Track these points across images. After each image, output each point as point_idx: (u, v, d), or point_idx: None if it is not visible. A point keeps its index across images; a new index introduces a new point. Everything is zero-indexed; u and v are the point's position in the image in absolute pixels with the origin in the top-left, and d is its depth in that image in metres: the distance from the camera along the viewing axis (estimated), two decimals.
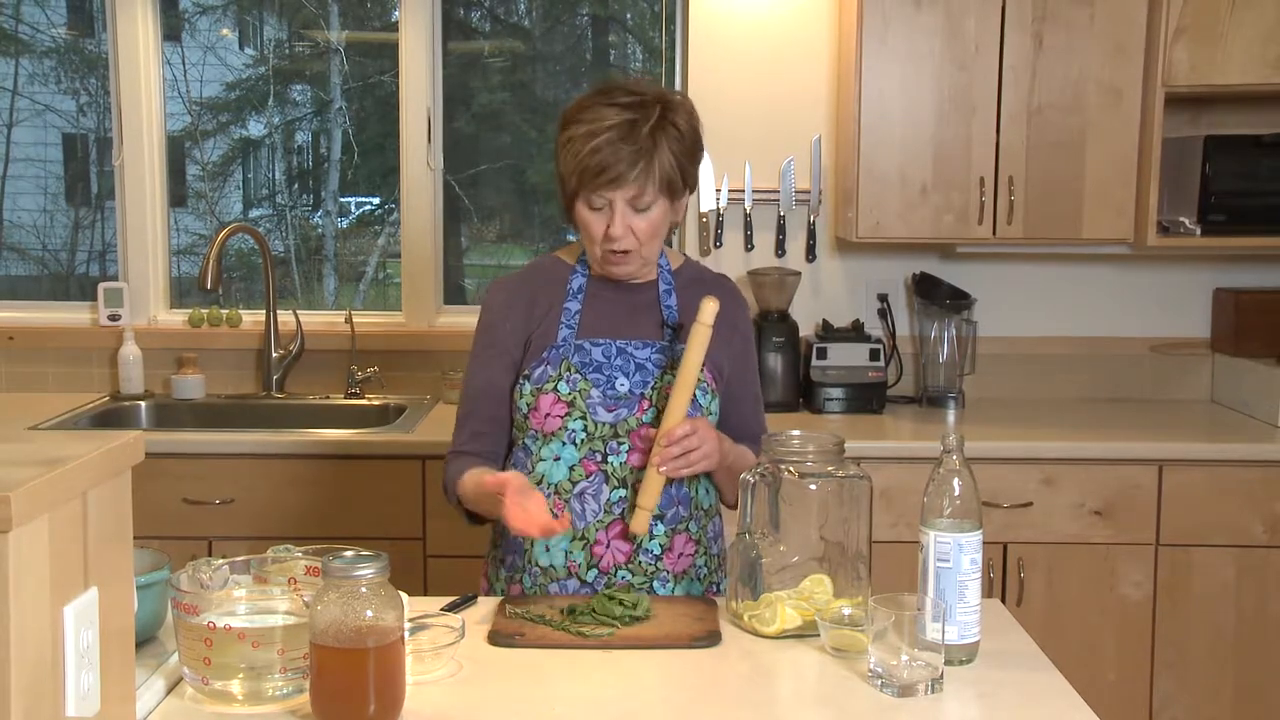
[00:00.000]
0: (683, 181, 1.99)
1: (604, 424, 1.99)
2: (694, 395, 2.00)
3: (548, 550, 2.02)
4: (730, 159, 3.53)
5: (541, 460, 2.02)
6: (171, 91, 3.86)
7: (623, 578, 2.00)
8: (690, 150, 1.99)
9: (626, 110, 1.93)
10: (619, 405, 2.00)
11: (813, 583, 1.80)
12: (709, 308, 1.95)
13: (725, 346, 2.08)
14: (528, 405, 2.02)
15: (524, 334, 2.06)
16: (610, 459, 2.00)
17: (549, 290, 2.08)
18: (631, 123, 1.92)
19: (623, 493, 2.00)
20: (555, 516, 1.86)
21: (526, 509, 1.83)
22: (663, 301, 2.08)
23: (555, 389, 2.00)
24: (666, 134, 1.95)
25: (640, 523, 1.96)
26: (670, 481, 1.99)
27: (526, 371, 2.03)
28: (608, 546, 2.00)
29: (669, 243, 2.19)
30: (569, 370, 2.01)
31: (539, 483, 2.02)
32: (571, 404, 1.99)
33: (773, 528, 1.82)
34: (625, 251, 1.99)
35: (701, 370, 2.01)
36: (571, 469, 2.01)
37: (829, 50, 3.52)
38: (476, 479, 2.00)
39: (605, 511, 2.00)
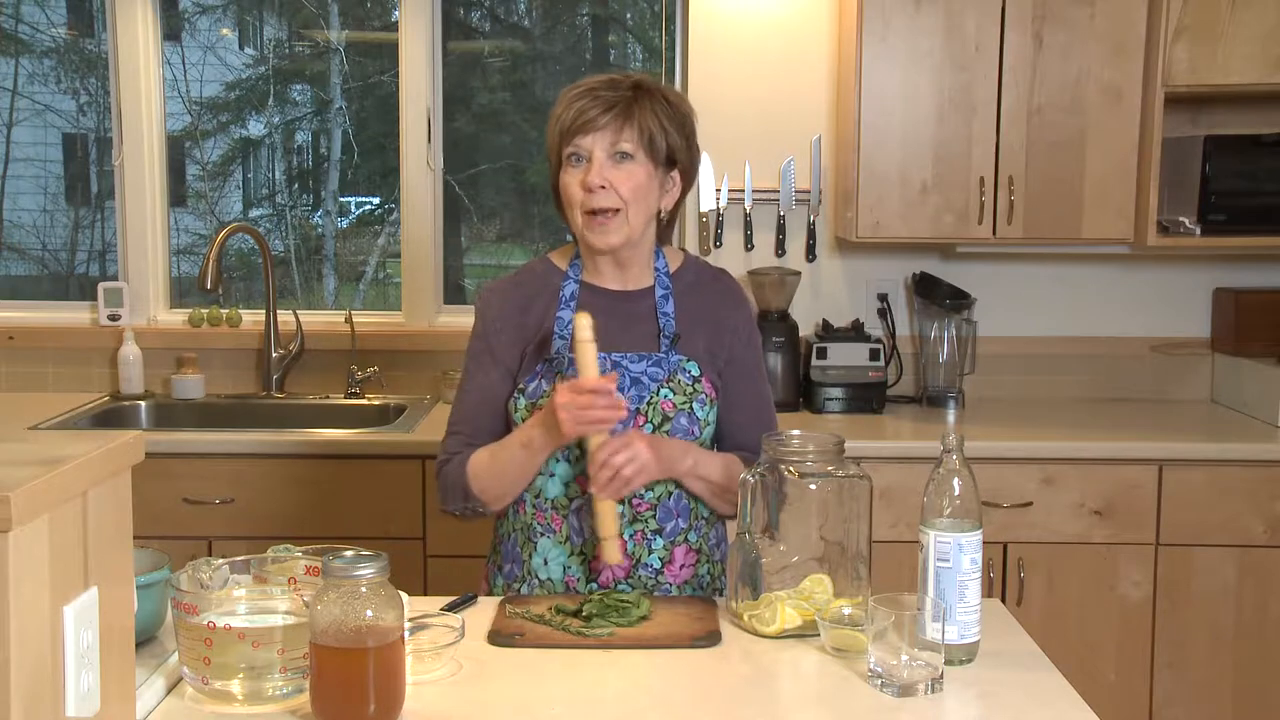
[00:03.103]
0: (668, 147, 1.97)
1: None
2: (690, 409, 1.98)
3: (546, 564, 2.01)
4: (730, 159, 3.53)
5: (538, 474, 2.01)
6: (171, 91, 3.86)
7: (623, 591, 1.98)
8: (677, 119, 1.99)
9: (609, 76, 2.00)
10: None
11: (813, 583, 1.80)
12: (581, 324, 1.88)
13: (721, 349, 2.05)
14: (523, 419, 1.99)
15: (519, 344, 2.03)
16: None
17: (542, 297, 2.05)
18: (611, 81, 1.97)
19: (619, 509, 1.97)
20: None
21: (576, 414, 1.82)
22: (659, 309, 2.04)
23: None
24: (650, 97, 1.97)
25: (611, 552, 1.91)
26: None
27: (521, 385, 2.01)
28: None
29: (671, 240, 2.16)
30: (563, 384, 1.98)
31: (536, 496, 2.02)
32: None
33: (773, 528, 1.81)
34: (607, 211, 1.94)
35: (699, 381, 2.00)
36: (567, 485, 1.99)
37: (829, 50, 3.52)
38: (499, 443, 1.99)
39: None
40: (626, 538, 1.98)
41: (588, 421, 1.84)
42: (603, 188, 1.93)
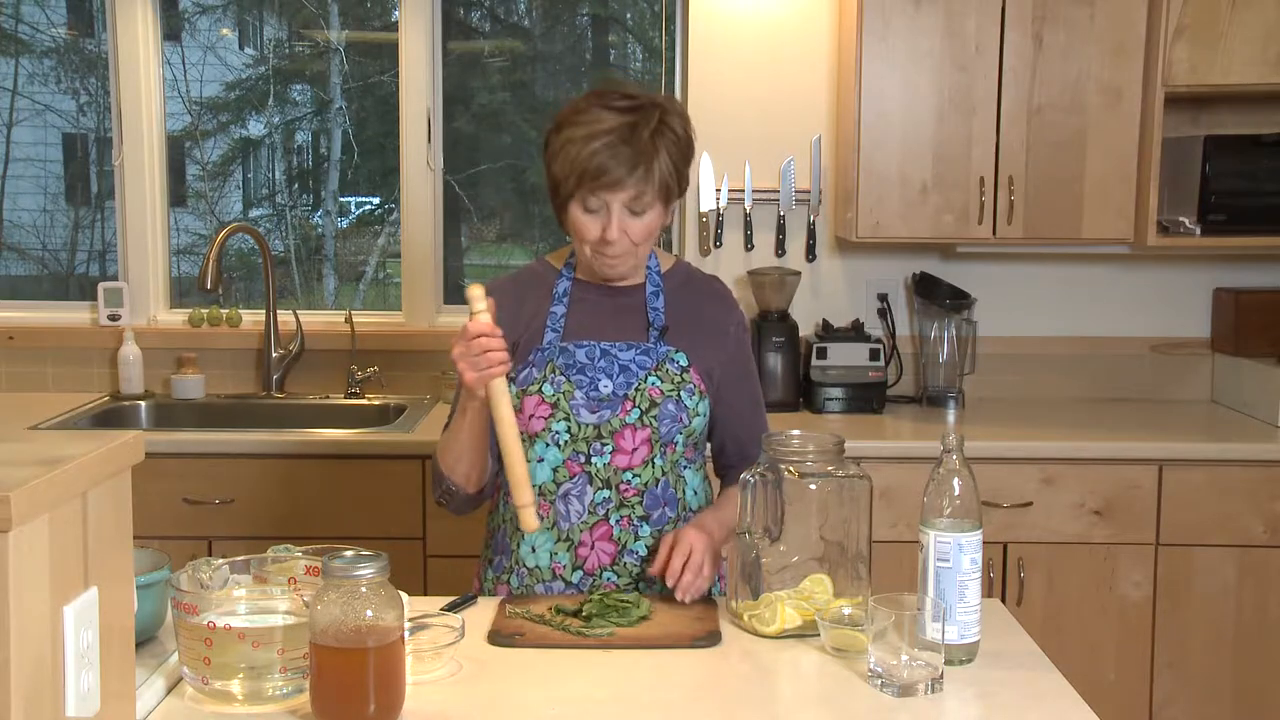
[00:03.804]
0: (677, 185, 1.99)
1: (587, 425, 1.99)
2: (679, 396, 2.00)
3: (534, 551, 2.03)
4: (730, 159, 3.53)
5: (527, 461, 2.02)
6: (171, 91, 3.86)
7: (608, 579, 2.00)
8: (685, 154, 1.99)
9: (625, 114, 1.93)
10: (602, 407, 1.99)
11: (813, 583, 1.80)
12: (473, 295, 1.85)
13: (715, 350, 2.08)
14: (514, 408, 2.01)
15: (512, 338, 2.04)
16: (594, 460, 1.99)
17: (536, 295, 2.08)
18: (632, 126, 1.92)
19: (606, 494, 2.00)
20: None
21: (472, 360, 1.83)
22: (649, 304, 2.07)
23: (540, 390, 2.00)
24: (665, 138, 1.94)
25: (528, 519, 1.86)
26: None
27: (512, 374, 2.01)
28: (592, 548, 2.00)
29: (666, 245, 2.18)
30: (553, 372, 2.00)
31: None
32: (555, 405, 1.99)
33: (773, 528, 1.82)
34: (618, 255, 1.98)
35: (687, 371, 2.02)
36: (555, 470, 2.00)
37: (829, 50, 3.52)
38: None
39: (589, 513, 2.00)
40: (613, 523, 2.00)
41: (485, 367, 1.83)
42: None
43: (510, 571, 2.07)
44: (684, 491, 2.06)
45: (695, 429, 2.05)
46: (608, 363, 2.01)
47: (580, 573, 2.01)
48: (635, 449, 1.99)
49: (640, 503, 2.01)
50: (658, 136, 1.93)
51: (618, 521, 2.00)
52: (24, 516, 1.07)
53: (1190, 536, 3.04)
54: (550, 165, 1.98)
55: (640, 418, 1.99)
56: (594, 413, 1.99)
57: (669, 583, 1.88)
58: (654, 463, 2.01)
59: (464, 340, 1.84)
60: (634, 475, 2.00)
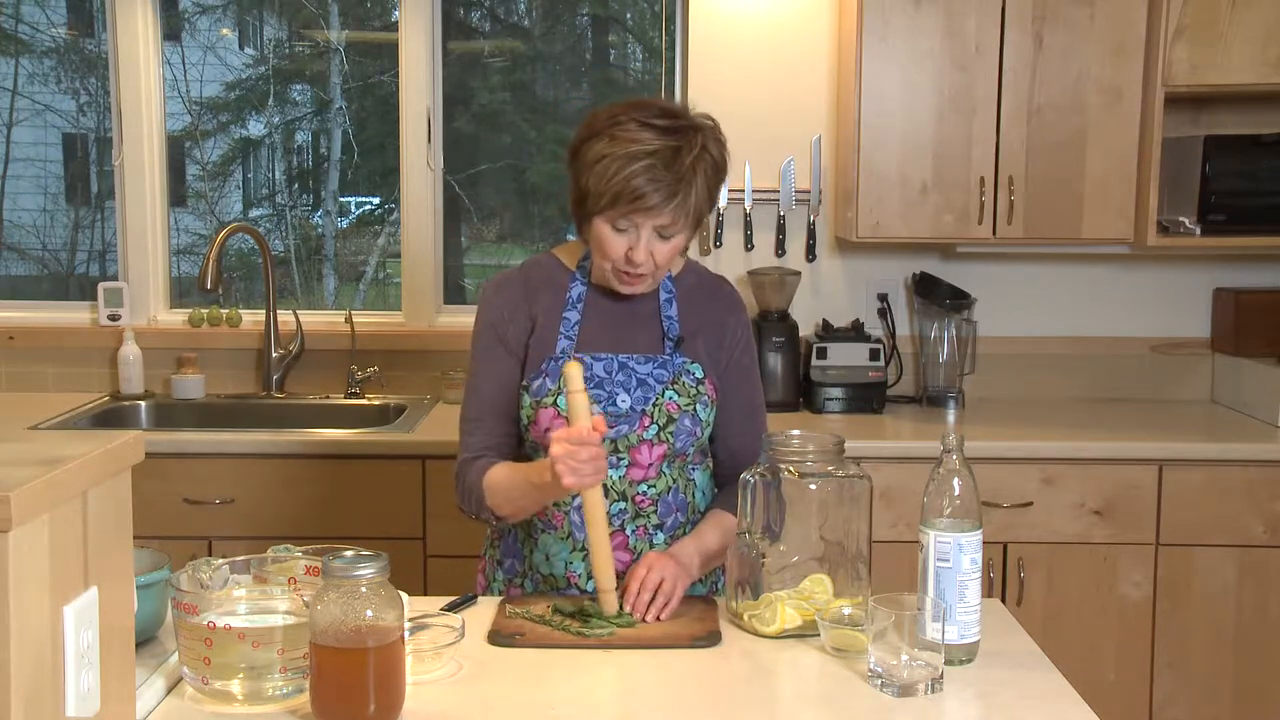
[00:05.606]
0: (708, 208, 1.97)
1: (604, 440, 1.94)
2: (694, 411, 1.99)
3: (548, 559, 2.02)
4: (730, 159, 3.52)
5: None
6: (171, 91, 3.86)
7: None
8: (720, 177, 1.97)
9: (667, 136, 1.88)
10: (619, 422, 1.96)
11: (813, 583, 1.80)
12: (572, 375, 1.81)
13: (721, 354, 2.07)
14: (527, 417, 1.99)
15: (525, 333, 2.03)
16: (609, 473, 1.96)
17: (547, 293, 2.05)
18: (675, 150, 1.88)
19: (621, 505, 1.98)
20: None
21: (574, 465, 1.76)
22: (663, 312, 2.05)
23: (555, 403, 1.96)
24: (703, 164, 1.91)
25: (609, 604, 1.86)
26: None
27: (525, 382, 2.00)
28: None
29: None
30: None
31: None
32: None
33: (773, 528, 1.82)
34: (640, 274, 1.96)
35: (703, 383, 2.01)
36: None
37: (829, 50, 3.52)
38: (514, 468, 1.95)
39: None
40: (629, 533, 1.99)
41: (586, 475, 1.78)
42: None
43: (524, 576, 2.06)
44: (693, 495, 2.06)
45: (705, 439, 2.05)
46: (625, 376, 1.99)
47: (595, 582, 1.99)
48: (651, 463, 1.98)
49: (655, 512, 2.00)
50: (698, 163, 1.90)
51: (634, 531, 1.99)
52: (24, 516, 1.07)
53: (1190, 536, 3.04)
54: (580, 176, 1.92)
55: (658, 434, 1.97)
56: (611, 428, 1.95)
57: (635, 616, 1.83)
58: (665, 472, 2.00)
59: (570, 443, 1.76)
60: (649, 486, 1.99)
